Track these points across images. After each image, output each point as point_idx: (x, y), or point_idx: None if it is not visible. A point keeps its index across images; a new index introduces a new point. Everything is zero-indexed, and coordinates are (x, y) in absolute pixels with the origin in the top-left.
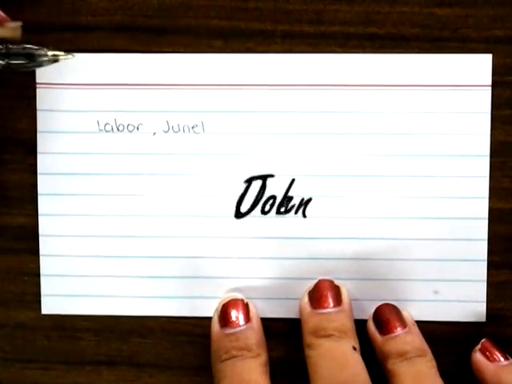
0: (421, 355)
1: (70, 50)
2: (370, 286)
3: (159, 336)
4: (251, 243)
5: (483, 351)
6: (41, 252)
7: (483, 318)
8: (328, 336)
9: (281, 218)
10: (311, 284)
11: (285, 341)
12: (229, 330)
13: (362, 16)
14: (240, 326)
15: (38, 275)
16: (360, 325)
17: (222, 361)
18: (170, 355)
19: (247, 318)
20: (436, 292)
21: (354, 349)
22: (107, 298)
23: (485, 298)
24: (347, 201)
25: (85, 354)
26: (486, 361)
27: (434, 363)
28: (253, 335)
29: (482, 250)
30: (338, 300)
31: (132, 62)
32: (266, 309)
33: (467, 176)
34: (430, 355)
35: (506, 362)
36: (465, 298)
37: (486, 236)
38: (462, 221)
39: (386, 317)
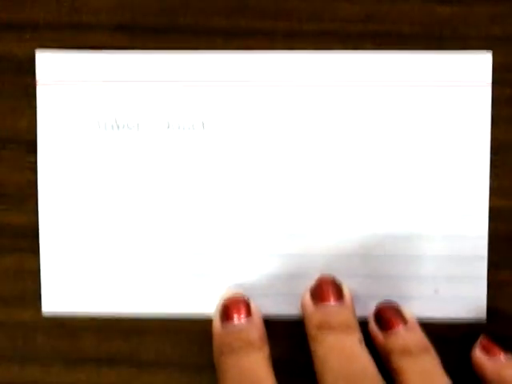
0: (424, 351)
1: (70, 48)
2: (370, 283)
3: (159, 334)
4: (252, 240)
5: (482, 347)
6: (41, 251)
7: (483, 318)
8: (333, 329)
9: (281, 215)
10: (312, 281)
11: (286, 339)
12: (230, 326)
13: (363, 14)
14: (241, 320)
15: (39, 274)
16: (361, 323)
17: (224, 355)
18: (171, 353)
19: (248, 313)
20: (436, 290)
21: (360, 342)
22: (107, 297)
23: (485, 297)
24: (348, 199)
25: (85, 352)
26: (486, 357)
27: (438, 360)
28: (254, 330)
29: (482, 248)
30: (339, 295)
31: (132, 60)
32: (267, 305)
33: (467, 174)
34: (433, 352)
35: (505, 358)
36: (465, 297)
37: (486, 234)
38: (462, 219)
39: (387, 314)
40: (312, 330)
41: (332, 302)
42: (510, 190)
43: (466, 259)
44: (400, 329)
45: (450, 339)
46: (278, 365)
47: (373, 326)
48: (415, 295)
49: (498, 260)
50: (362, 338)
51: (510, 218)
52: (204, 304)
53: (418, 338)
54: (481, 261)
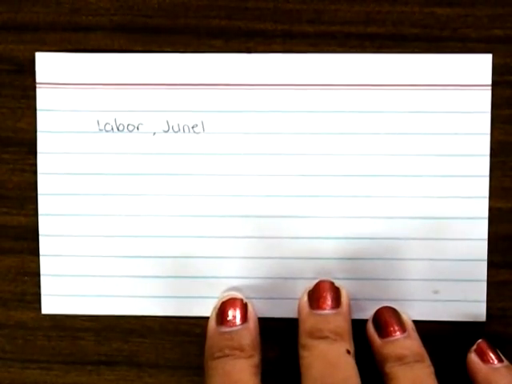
0: (419, 360)
1: (70, 49)
2: (369, 285)
3: (159, 336)
4: (251, 243)
5: (478, 352)
6: (41, 252)
7: (483, 318)
8: (323, 338)
9: (279, 217)
10: (311, 283)
11: (283, 341)
12: (224, 329)
13: (362, 16)
14: (236, 325)
15: (38, 275)
16: (359, 325)
17: (214, 358)
18: (170, 355)
19: (244, 318)
20: (436, 292)
21: (348, 352)
22: (107, 298)
23: (485, 298)
24: (347, 200)
25: (85, 353)
26: (480, 362)
27: (432, 369)
28: (247, 336)
29: (482, 249)
30: (336, 302)
31: (132, 61)
32: (265, 308)
33: (467, 176)
34: (428, 361)
35: (499, 365)
36: (465, 298)
37: (486, 236)
38: (462, 220)
39: (386, 320)
40: (303, 337)
41: (328, 308)
42: (509, 191)
43: (466, 261)
44: (398, 336)
45: (449, 340)
46: (274, 367)
47: (370, 331)
48: (415, 297)
49: (498, 260)
50: (352, 347)
51: (510, 219)
52: (203, 307)
53: (414, 346)
54: (481, 262)
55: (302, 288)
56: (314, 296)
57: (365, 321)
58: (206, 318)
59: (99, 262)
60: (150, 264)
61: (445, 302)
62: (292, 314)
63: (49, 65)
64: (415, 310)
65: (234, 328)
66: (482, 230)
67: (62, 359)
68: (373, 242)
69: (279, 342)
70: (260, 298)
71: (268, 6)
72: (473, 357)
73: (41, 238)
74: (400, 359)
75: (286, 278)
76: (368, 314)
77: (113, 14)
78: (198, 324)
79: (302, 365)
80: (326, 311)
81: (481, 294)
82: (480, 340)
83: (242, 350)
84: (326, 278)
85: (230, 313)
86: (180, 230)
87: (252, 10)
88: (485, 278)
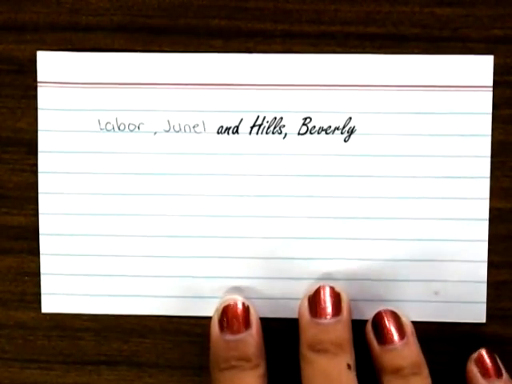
0: (416, 373)
1: (70, 49)
2: (369, 286)
3: (159, 336)
4: (251, 243)
5: (478, 362)
6: (41, 251)
7: (483, 319)
8: (324, 351)
9: (280, 217)
10: (311, 288)
11: (284, 341)
12: (228, 337)
13: (362, 16)
14: (240, 332)
15: (39, 275)
16: (359, 326)
17: (221, 369)
18: (171, 355)
19: (247, 324)
20: (436, 293)
21: (349, 367)
22: (107, 298)
23: (485, 299)
24: (347, 201)
25: (85, 353)
26: (479, 374)
27: (429, 381)
28: (252, 343)
29: (482, 250)
30: (337, 309)
31: (133, 61)
32: (266, 309)
33: (468, 177)
34: (425, 372)
35: (498, 381)
36: (465, 299)
37: (486, 237)
38: (463, 221)
39: (385, 325)
40: (304, 346)
41: (328, 317)
42: (509, 192)
43: (466, 262)
44: (396, 345)
45: (449, 341)
46: (273, 368)
47: (370, 335)
48: (415, 298)
49: (498, 261)
50: (352, 359)
51: (510, 219)
52: (204, 307)
53: (413, 355)
54: (481, 263)
55: (303, 288)
56: (315, 303)
57: (365, 321)
58: (207, 318)
59: (99, 262)
60: (150, 264)
61: (445, 303)
62: (293, 315)
63: (50, 64)
64: (415, 311)
65: (238, 336)
66: (482, 231)
67: (62, 359)
68: (373, 243)
69: (280, 342)
70: (261, 298)
71: (268, 6)
72: (472, 366)
73: (41, 237)
74: (397, 371)
75: (286, 278)
76: (368, 315)
77: (113, 14)
78: (198, 324)
79: (303, 377)
80: (327, 320)
81: (481, 295)
82: (483, 349)
83: (247, 360)
84: (327, 281)
85: (233, 318)
86: (180, 230)
87: (252, 10)
88: (485, 279)
